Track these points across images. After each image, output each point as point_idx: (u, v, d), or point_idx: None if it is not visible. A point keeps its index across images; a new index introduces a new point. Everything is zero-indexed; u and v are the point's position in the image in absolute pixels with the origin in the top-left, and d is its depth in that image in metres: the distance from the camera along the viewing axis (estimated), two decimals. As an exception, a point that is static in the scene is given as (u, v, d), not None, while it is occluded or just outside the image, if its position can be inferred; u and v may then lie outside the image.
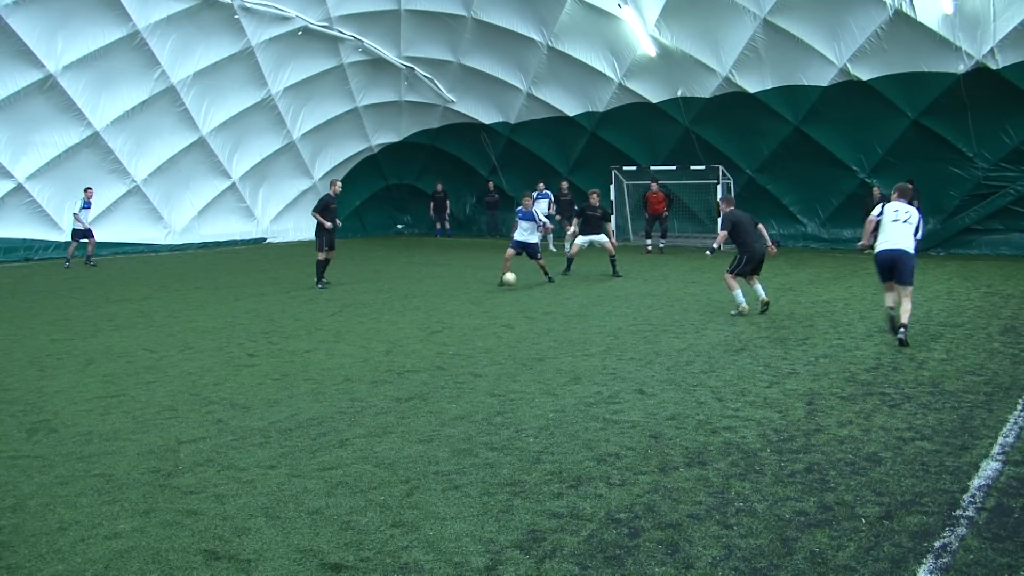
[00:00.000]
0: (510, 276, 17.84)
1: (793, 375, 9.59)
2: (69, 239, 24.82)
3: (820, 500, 5.78)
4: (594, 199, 20.38)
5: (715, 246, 14.82)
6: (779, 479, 6.20)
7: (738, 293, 14.04)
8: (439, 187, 34.73)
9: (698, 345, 11.41)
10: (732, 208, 14.74)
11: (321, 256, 18.59)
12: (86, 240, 24.74)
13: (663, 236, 26.77)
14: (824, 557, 4.92)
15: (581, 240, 20.48)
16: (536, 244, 18.69)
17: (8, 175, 24.99)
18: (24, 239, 26.13)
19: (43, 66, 24.01)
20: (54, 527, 5.55)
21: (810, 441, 7.09)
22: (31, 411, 8.54)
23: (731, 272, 14.12)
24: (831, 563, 4.86)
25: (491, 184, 34.01)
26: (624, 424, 7.68)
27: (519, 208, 19.05)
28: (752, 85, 25.76)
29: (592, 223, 20.19)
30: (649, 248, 26.50)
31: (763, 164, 27.34)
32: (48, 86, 24.45)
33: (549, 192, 28.18)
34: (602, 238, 20.14)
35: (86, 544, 5.27)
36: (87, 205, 24.84)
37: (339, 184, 19.55)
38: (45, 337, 12.85)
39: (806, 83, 24.89)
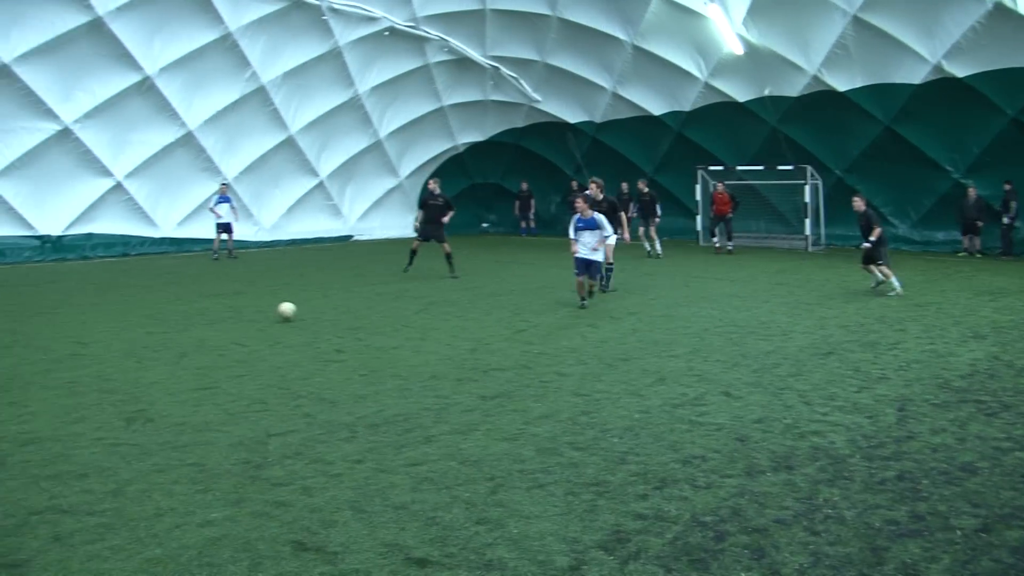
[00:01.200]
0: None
1: (884, 380, 9.37)
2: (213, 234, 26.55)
3: (912, 509, 5.64)
4: (594, 191, 17.15)
5: (873, 238, 16.52)
6: (869, 486, 6.08)
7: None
8: (524, 186, 34.79)
9: (785, 348, 11.24)
10: None
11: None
12: (226, 235, 26.21)
13: (728, 238, 26.43)
14: (917, 569, 4.80)
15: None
16: (599, 263, 15.25)
17: (108, 173, 25.80)
18: (122, 235, 26.93)
19: (141, 68, 24.73)
20: (151, 512, 5.73)
21: (901, 448, 6.93)
22: (129, 401, 8.82)
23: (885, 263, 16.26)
24: (924, 575, 4.74)
25: (575, 183, 33.93)
26: (710, 426, 7.61)
27: (576, 217, 15.15)
28: (841, 83, 25.20)
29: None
30: (718, 246, 26.23)
31: (852, 164, 26.73)
32: (146, 87, 25.17)
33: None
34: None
35: (181, 530, 5.43)
36: (222, 199, 26.09)
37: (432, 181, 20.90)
38: (142, 330, 13.24)
39: (898, 81, 24.24)
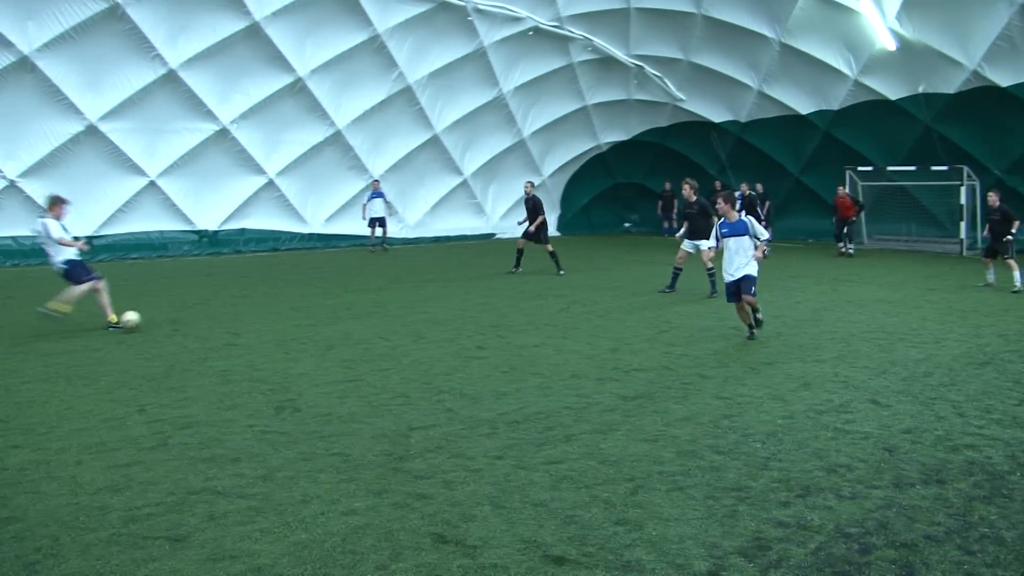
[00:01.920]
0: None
1: (1046, 392, 8.91)
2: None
3: (1077, 531, 5.34)
4: (687, 192, 17.28)
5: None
6: (1030, 505, 5.79)
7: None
8: (667, 186, 34.43)
9: (937, 356, 10.80)
10: None
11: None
12: (380, 228, 28.10)
13: (849, 240, 25.62)
14: (1081, 593, 4.55)
15: (687, 245, 17.29)
16: (752, 278, 11.95)
17: (261, 171, 26.86)
18: (273, 230, 27.99)
19: (294, 70, 25.64)
20: (298, 499, 5.93)
21: (1065, 465, 6.57)
22: (278, 390, 9.15)
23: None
24: (1089, 599, 4.50)
25: (718, 183, 33.42)
26: (856, 435, 7.38)
27: (721, 220, 12.57)
28: (1004, 78, 24.01)
29: (694, 225, 17.04)
30: (841, 250, 25.45)
31: (1014, 164, 25.46)
32: (297, 89, 26.10)
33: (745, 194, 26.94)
34: (702, 244, 16.45)
35: (326, 517, 5.60)
36: (375, 195, 27.69)
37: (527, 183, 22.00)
38: (290, 322, 13.71)
39: (1069, 75, 22.99)
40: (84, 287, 13.23)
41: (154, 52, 23.21)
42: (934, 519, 5.54)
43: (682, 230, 17.73)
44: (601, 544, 5.18)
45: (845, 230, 25.83)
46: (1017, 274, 17.11)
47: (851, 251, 25.56)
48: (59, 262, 13.25)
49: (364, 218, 28.06)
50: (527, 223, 21.07)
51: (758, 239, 12.06)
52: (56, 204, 13.35)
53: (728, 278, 12.02)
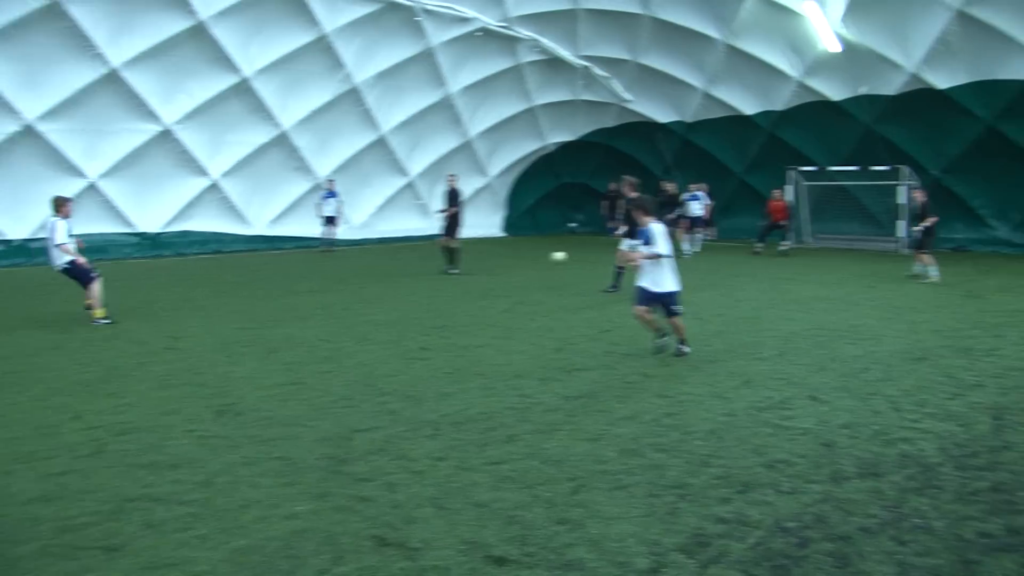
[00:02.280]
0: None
1: (979, 387, 9.09)
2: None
3: (1008, 523, 5.45)
4: (626, 190, 16.71)
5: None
6: (961, 497, 5.90)
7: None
8: (612, 186, 34.57)
9: (875, 352, 10.98)
10: None
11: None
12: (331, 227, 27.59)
13: (761, 240, 26.28)
14: (1010, 583, 4.66)
15: (625, 245, 16.29)
16: (672, 295, 10.80)
17: (204, 173, 26.51)
18: (215, 232, 27.64)
19: (239, 71, 25.34)
20: (238, 504, 5.87)
21: (996, 459, 6.71)
22: (219, 394, 9.05)
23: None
24: (1018, 589, 4.60)
25: (663, 183, 33.63)
26: (795, 431, 7.48)
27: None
28: (942, 81, 24.50)
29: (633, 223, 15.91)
30: (757, 250, 25.98)
31: (951, 165, 25.98)
32: (242, 89, 25.80)
33: (701, 193, 27.26)
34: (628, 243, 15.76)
35: (266, 522, 5.55)
36: (328, 195, 27.33)
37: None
38: (233, 325, 13.56)
39: (1003, 77, 23.47)
40: (96, 283, 13.70)
41: (95, 51, 22.79)
42: (869, 511, 5.64)
43: (620, 229, 17.33)
44: (543, 544, 5.19)
45: (773, 231, 26.23)
46: (933, 268, 18.53)
47: (786, 248, 25.91)
48: (60, 263, 13.62)
49: (319, 216, 27.86)
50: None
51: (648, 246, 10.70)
52: (62, 204, 13.34)
53: (650, 287, 10.75)
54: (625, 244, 16.52)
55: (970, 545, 5.12)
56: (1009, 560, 4.91)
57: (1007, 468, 6.48)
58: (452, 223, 21.10)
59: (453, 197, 21.34)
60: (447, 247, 21.26)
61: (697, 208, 26.73)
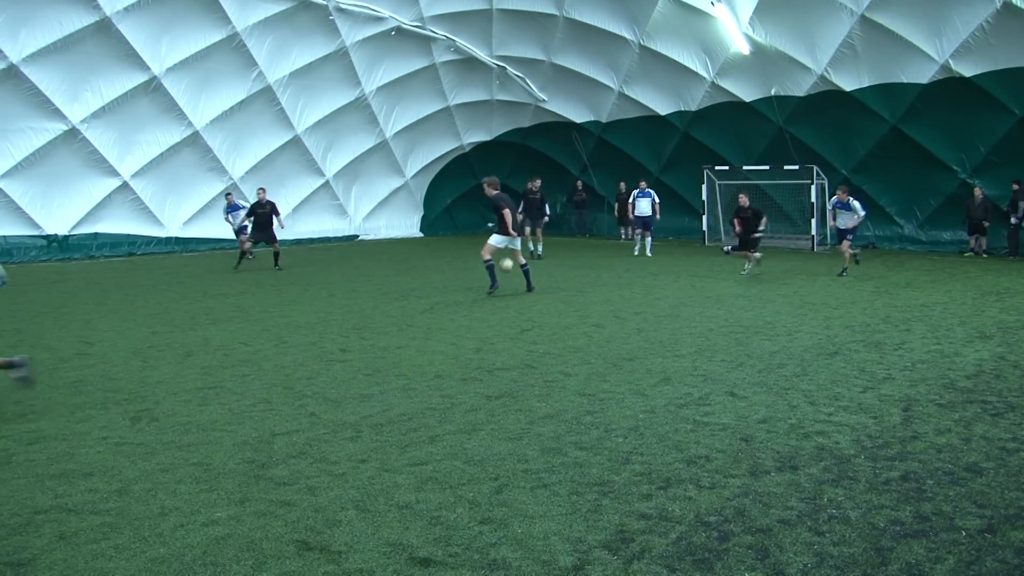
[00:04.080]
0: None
1: (889, 380, 9.35)
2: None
3: (917, 510, 5.63)
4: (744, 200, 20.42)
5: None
6: (873, 486, 6.06)
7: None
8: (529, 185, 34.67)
9: (790, 348, 11.22)
10: None
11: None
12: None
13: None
14: (921, 569, 4.78)
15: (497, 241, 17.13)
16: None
17: (114, 173, 25.92)
18: (128, 234, 27.06)
19: (148, 68, 24.83)
20: (156, 512, 5.74)
21: (906, 448, 6.91)
22: (134, 400, 8.84)
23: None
24: (929, 575, 4.73)
25: (580, 183, 33.97)
26: (715, 426, 7.59)
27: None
28: (848, 83, 25.18)
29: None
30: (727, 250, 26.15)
31: (859, 164, 26.74)
32: (152, 88, 25.29)
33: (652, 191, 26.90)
34: (515, 243, 17.47)
35: (185, 530, 5.43)
36: (232, 208, 25.59)
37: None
38: (147, 329, 13.27)
39: (905, 80, 24.23)
40: None
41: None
42: (787, 504, 5.75)
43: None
44: (467, 544, 5.18)
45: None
46: (750, 265, 20.04)
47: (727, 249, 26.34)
48: None
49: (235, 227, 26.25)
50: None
51: None
52: None
53: None
54: (493, 239, 17.15)
55: (883, 533, 5.25)
56: (919, 545, 5.06)
57: (916, 457, 6.67)
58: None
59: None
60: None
61: (646, 207, 25.80)
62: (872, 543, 5.11)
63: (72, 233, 25.84)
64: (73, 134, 24.51)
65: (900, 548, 5.04)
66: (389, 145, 32.65)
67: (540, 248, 25.25)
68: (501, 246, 17.02)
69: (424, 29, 29.38)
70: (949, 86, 23.52)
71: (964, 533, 5.25)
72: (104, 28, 23.34)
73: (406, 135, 32.89)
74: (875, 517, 5.50)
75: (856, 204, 19.35)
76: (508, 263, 16.90)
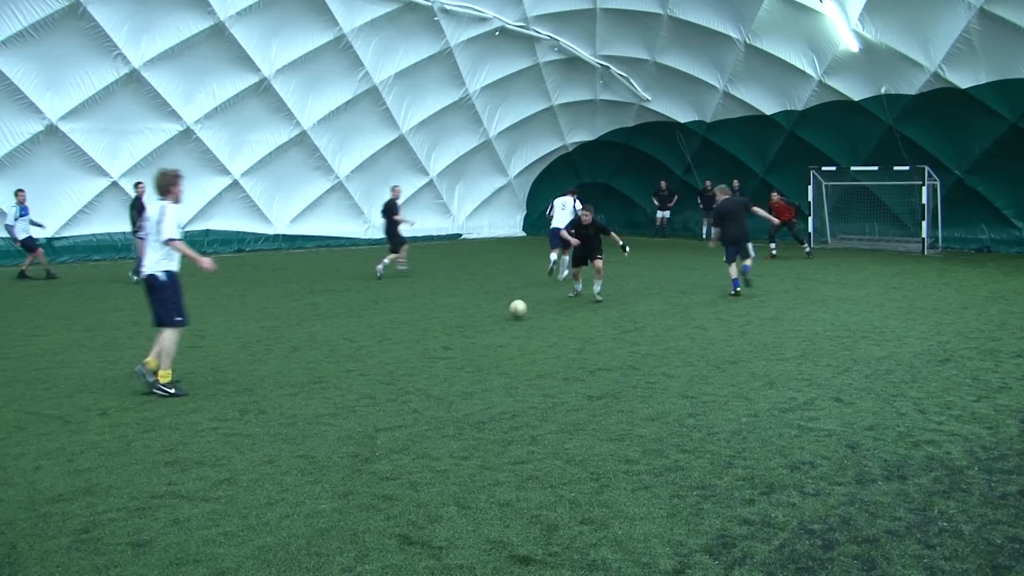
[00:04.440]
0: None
1: (1005, 390, 9.02)
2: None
3: (1036, 526, 5.41)
4: (586, 217, 16.21)
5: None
6: (988, 500, 5.85)
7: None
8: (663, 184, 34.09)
9: (899, 353, 10.92)
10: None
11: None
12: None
13: (800, 241, 25.65)
14: (1040, 587, 4.61)
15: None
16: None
17: (226, 172, 26.69)
18: (237, 231, 27.81)
19: (259, 70, 25.49)
20: (263, 501, 5.90)
21: (1024, 461, 6.66)
22: (243, 392, 9.10)
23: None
24: (1046, 593, 4.56)
25: (663, 183, 33.32)
26: (819, 432, 7.45)
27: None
28: (964, 80, 24.31)
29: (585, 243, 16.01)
30: (773, 254, 25.12)
31: (974, 165, 25.79)
32: (263, 89, 25.95)
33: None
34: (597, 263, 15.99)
35: (291, 520, 5.57)
36: (23, 212, 21.42)
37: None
38: (255, 324, 13.62)
39: (1027, 77, 23.29)
40: None
41: (116, 51, 22.97)
42: (895, 514, 5.60)
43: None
44: (567, 544, 5.19)
45: (791, 232, 25.72)
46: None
47: (808, 251, 25.57)
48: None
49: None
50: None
51: None
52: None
53: None
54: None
55: (999, 550, 5.06)
56: (1038, 564, 4.87)
57: (1034, 471, 6.43)
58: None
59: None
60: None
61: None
62: (987, 560, 4.93)
63: (186, 230, 26.64)
64: (187, 134, 25.34)
65: (1019, 567, 4.84)
66: (492, 144, 32.84)
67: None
68: None
69: (528, 29, 29.45)
70: (1075, 82, 22.51)
71: (1086, 551, 5.03)
72: (218, 32, 24.06)
73: (509, 135, 33.03)
74: (990, 532, 5.31)
75: None
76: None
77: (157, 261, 9.42)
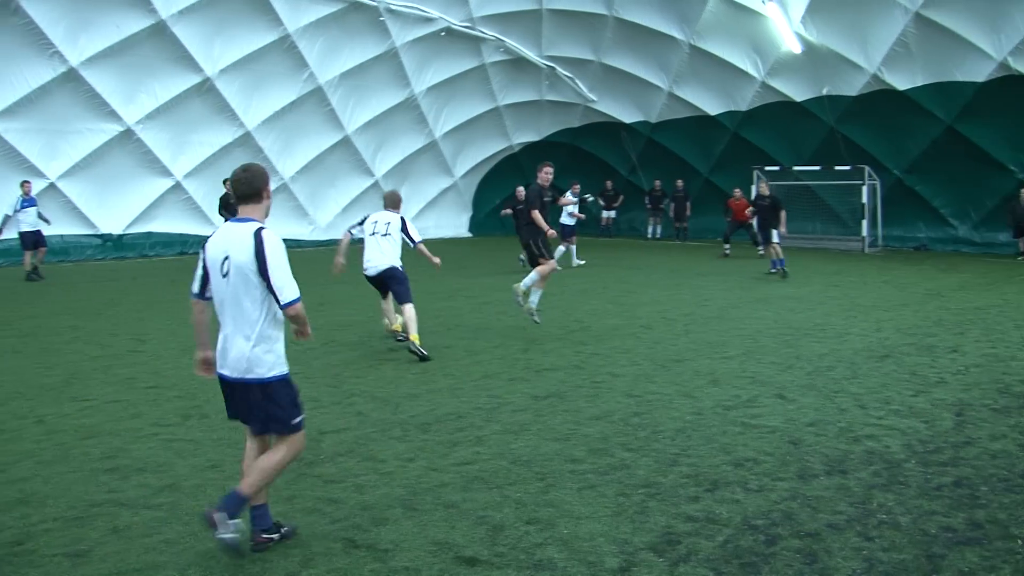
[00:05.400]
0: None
1: (941, 384, 9.21)
2: None
3: (970, 517, 5.53)
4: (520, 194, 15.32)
5: None
6: (925, 492, 5.97)
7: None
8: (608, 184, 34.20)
9: (840, 350, 11.09)
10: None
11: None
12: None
13: (755, 243, 25.66)
14: (974, 576, 4.71)
15: None
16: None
17: (168, 173, 26.27)
18: (180, 234, 27.39)
19: (202, 70, 25.13)
20: (206, 507, 5.81)
21: (959, 454, 6.80)
22: (185, 397, 8.97)
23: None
24: (981, 582, 4.66)
25: (609, 183, 33.47)
26: (763, 429, 7.54)
27: None
28: (902, 82, 24.79)
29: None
30: (726, 252, 25.39)
31: (912, 165, 26.30)
32: (205, 89, 25.58)
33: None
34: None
35: (234, 526, 5.50)
36: (26, 203, 21.47)
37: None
38: (198, 328, 13.41)
39: (960, 79, 23.79)
40: None
41: (53, 49, 22.49)
42: (836, 508, 5.69)
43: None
44: (513, 544, 5.19)
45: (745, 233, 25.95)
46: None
47: (761, 251, 25.66)
48: None
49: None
50: None
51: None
52: None
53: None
54: None
55: (934, 539, 5.17)
56: (972, 553, 4.97)
57: (969, 463, 6.56)
58: None
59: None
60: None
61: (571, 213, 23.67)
62: (923, 550, 5.03)
63: (126, 232, 26.26)
64: (128, 135, 24.89)
65: (952, 555, 4.95)
66: (438, 145, 32.76)
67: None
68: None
69: (474, 30, 29.43)
70: (1007, 84, 23.03)
71: (1020, 542, 5.15)
72: (159, 31, 23.67)
73: (455, 135, 32.98)
74: (927, 523, 5.42)
75: None
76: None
77: (396, 257, 11.72)
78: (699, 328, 12.98)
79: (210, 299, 5.43)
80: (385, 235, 11.74)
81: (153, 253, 26.57)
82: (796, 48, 25.82)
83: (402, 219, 12.09)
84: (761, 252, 23.81)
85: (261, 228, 5.18)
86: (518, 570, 4.84)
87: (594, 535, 5.30)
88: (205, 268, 5.35)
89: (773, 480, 6.25)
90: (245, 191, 5.44)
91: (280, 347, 5.31)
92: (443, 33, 28.92)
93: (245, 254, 5.08)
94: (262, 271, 5.07)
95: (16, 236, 21.74)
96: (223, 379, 5.34)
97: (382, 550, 5.13)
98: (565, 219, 23.13)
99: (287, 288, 5.13)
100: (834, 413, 8.05)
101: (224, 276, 5.19)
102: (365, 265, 11.77)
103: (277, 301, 5.14)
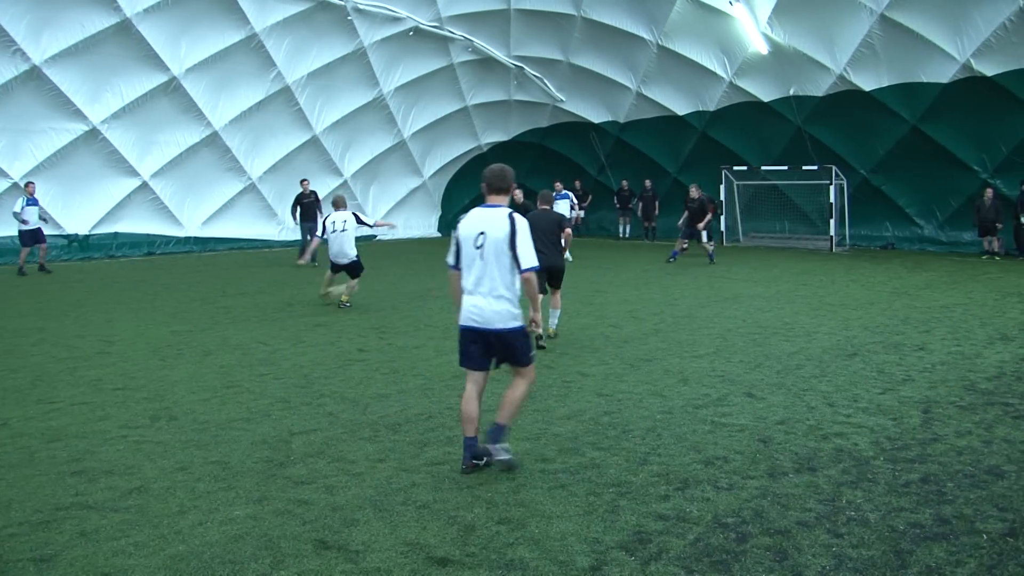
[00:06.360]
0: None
1: (908, 382, 9.31)
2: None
3: (937, 512, 5.60)
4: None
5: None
6: (893, 489, 6.04)
7: None
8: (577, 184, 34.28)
9: (809, 349, 11.18)
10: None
11: None
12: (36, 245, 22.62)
13: (709, 239, 25.62)
14: (942, 573, 4.75)
15: None
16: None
17: (134, 173, 26.01)
18: (147, 234, 27.15)
19: (168, 69, 24.90)
20: (174, 510, 5.77)
21: (926, 451, 6.88)
22: (154, 399, 8.89)
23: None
24: (948, 578, 4.71)
25: (577, 183, 33.58)
26: (732, 427, 7.58)
27: None
28: (867, 83, 25.03)
29: None
30: (683, 247, 24.48)
31: (878, 164, 26.56)
32: (172, 88, 25.35)
33: (569, 192, 27.07)
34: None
35: (204, 527, 5.46)
36: (30, 202, 22.47)
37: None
38: (166, 329, 13.33)
39: (925, 80, 24.05)
40: None
41: (15, 47, 22.20)
42: (805, 505, 5.73)
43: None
44: (484, 544, 5.19)
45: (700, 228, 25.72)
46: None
47: (685, 245, 25.21)
48: None
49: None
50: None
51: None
52: None
53: None
54: None
55: (902, 535, 5.23)
56: (939, 549, 5.03)
57: (936, 460, 6.64)
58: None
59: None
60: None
61: (564, 210, 24.14)
62: (891, 546, 5.08)
63: (92, 233, 25.98)
64: (94, 135, 24.62)
65: (920, 551, 5.01)
66: (407, 145, 32.65)
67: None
68: None
69: (442, 29, 29.36)
70: (970, 85, 23.32)
71: (985, 537, 5.22)
72: (124, 29, 23.44)
73: (424, 135, 32.89)
74: (894, 520, 5.47)
75: None
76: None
77: (354, 246, 14.92)
78: (669, 327, 13.03)
79: (460, 269, 6.65)
80: (343, 231, 14.93)
81: (120, 254, 26.32)
82: (763, 49, 25.98)
83: (353, 214, 15.42)
84: (685, 246, 23.88)
85: (512, 212, 6.56)
86: (490, 570, 4.84)
87: (565, 534, 5.31)
88: (458, 243, 6.61)
89: (743, 478, 6.28)
90: (500, 185, 6.77)
91: (518, 305, 6.59)
92: (411, 33, 28.82)
93: (501, 231, 6.43)
94: (512, 244, 6.40)
95: (15, 233, 22.78)
96: (473, 330, 6.57)
97: (353, 551, 5.11)
98: None
99: (528, 258, 6.46)
100: (803, 411, 8.11)
101: (478, 248, 6.47)
102: (335, 256, 15.11)
103: (518, 266, 6.44)
